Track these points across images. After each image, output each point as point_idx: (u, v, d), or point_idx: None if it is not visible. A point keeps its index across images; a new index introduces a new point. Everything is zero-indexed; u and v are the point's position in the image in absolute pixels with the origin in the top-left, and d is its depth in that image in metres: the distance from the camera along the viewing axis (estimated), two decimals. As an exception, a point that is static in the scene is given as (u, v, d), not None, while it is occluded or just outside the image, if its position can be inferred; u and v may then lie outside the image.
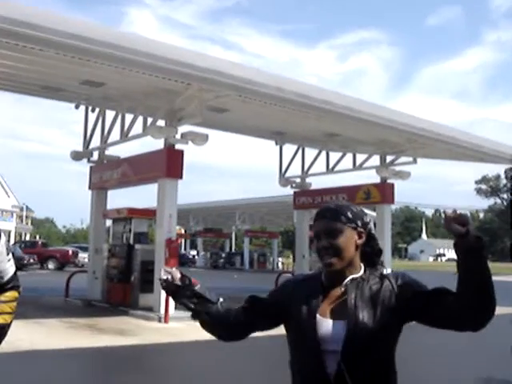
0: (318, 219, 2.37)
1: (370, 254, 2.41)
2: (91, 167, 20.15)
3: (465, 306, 2.15)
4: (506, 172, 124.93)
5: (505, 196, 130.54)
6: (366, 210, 43.40)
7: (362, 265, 2.39)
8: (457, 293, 2.18)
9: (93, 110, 19.59)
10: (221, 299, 2.55)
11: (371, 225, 2.41)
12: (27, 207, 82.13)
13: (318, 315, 2.31)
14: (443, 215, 2.15)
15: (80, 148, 20.12)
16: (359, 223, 2.36)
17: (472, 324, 2.23)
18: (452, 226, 2.10)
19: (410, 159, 21.99)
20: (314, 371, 2.28)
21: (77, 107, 19.12)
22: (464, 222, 2.09)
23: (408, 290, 2.29)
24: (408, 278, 2.35)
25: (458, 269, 2.15)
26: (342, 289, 2.33)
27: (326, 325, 2.28)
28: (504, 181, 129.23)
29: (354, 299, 2.28)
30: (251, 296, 2.56)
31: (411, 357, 10.87)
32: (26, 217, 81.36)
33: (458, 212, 2.11)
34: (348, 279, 2.33)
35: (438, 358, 11.12)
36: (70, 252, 41.73)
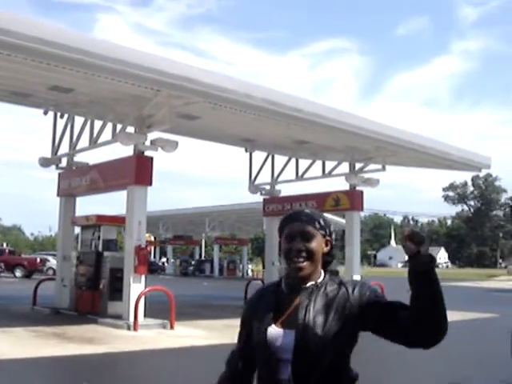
0: (292, 221, 2.37)
1: (329, 262, 2.43)
2: (60, 174, 19.94)
3: (416, 325, 2.16)
4: (472, 179, 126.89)
5: (472, 203, 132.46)
6: (336, 218, 43.67)
7: (322, 272, 2.40)
8: (409, 312, 2.18)
9: (61, 116, 19.40)
10: None
11: (334, 235, 2.44)
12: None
13: (273, 325, 2.32)
14: (402, 231, 2.13)
15: (48, 154, 19.90)
16: (327, 231, 2.39)
17: (422, 343, 2.23)
18: (406, 243, 2.10)
19: (379, 166, 22.18)
20: (269, 378, 2.30)
21: (45, 113, 18.92)
22: (419, 240, 2.08)
23: (364, 299, 2.29)
24: (366, 288, 2.35)
25: (411, 289, 2.16)
26: (301, 294, 2.35)
27: (279, 334, 2.29)
28: (471, 188, 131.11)
29: (306, 307, 2.29)
30: (236, 351, 2.54)
31: (378, 362, 10.96)
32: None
33: (413, 229, 2.09)
34: (308, 284, 2.34)
35: (401, 365, 11.21)
36: (38, 260, 41.25)
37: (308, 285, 2.34)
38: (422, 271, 2.10)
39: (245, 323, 2.48)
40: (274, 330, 2.30)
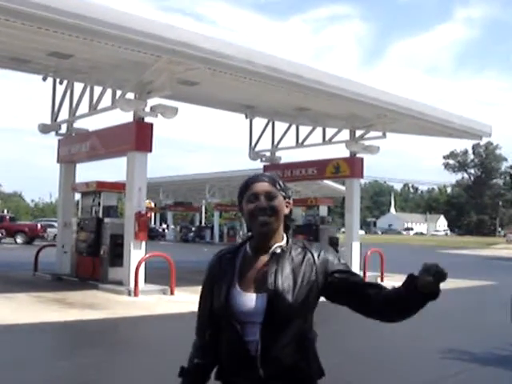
0: (256, 181, 2.41)
1: (289, 226, 2.49)
2: (59, 140, 19.89)
3: (385, 312, 2.33)
4: (473, 147, 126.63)
5: (472, 171, 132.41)
6: (336, 184, 43.66)
7: (284, 234, 2.45)
8: (385, 299, 2.31)
9: (61, 83, 19.25)
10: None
11: (292, 199, 2.50)
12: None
13: (238, 289, 2.35)
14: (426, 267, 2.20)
15: (48, 121, 19.83)
16: (287, 194, 2.45)
17: (387, 320, 2.39)
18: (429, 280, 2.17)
19: (380, 134, 22.09)
20: (235, 341, 2.33)
21: (44, 79, 18.80)
22: (440, 279, 2.16)
23: (328, 266, 2.37)
24: (331, 254, 2.42)
25: (402, 293, 2.28)
26: (266, 258, 2.38)
27: (245, 299, 2.33)
28: (471, 156, 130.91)
29: (275, 273, 2.32)
30: (200, 318, 2.56)
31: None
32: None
33: (443, 271, 2.15)
34: (275, 246, 2.39)
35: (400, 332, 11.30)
36: (39, 226, 41.38)
37: (273, 247, 2.39)
38: (428, 297, 2.26)
39: (207, 289, 2.51)
40: (240, 294, 2.34)
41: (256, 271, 2.38)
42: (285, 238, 2.44)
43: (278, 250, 2.38)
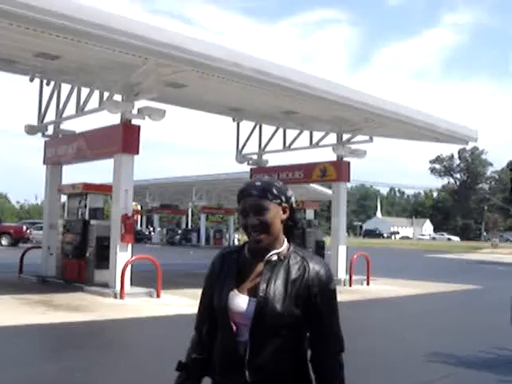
0: (245, 196, 2.38)
1: (292, 227, 2.48)
2: (46, 141, 19.79)
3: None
4: (459, 152, 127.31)
5: (458, 176, 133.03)
6: (322, 188, 43.72)
7: (284, 239, 2.44)
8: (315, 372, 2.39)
9: (48, 84, 19.17)
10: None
11: (293, 199, 2.46)
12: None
13: (235, 290, 2.37)
14: None
15: (35, 122, 19.72)
16: (283, 198, 2.40)
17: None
18: None
19: (367, 138, 22.17)
20: (229, 340, 2.37)
21: (31, 80, 18.67)
22: None
23: (315, 287, 2.34)
24: (325, 275, 2.37)
25: None
26: (263, 263, 2.39)
27: (239, 301, 2.35)
28: (457, 161, 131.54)
29: (268, 280, 2.33)
30: (200, 314, 2.59)
31: (360, 333, 11.08)
32: (-22, 192, 79.76)
33: None
34: (270, 254, 2.38)
35: (386, 335, 11.35)
36: (24, 228, 41.13)
37: (270, 254, 2.39)
38: None
39: (208, 286, 2.53)
40: (236, 295, 2.36)
41: (252, 276, 2.40)
42: (285, 244, 2.43)
43: (274, 258, 2.39)
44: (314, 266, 2.36)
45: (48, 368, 7.65)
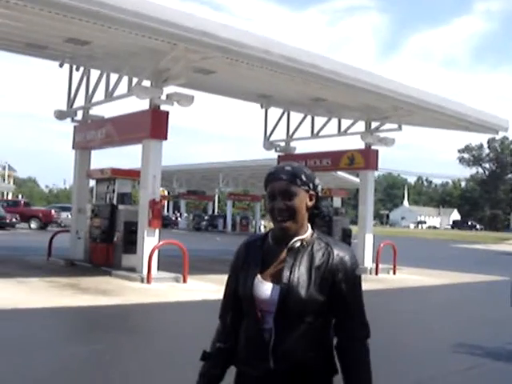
0: (274, 180, 2.37)
1: (317, 215, 2.47)
2: (75, 127, 19.95)
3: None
4: (488, 142, 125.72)
5: (487, 165, 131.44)
6: (350, 176, 43.56)
7: (309, 226, 2.44)
8: (339, 354, 2.39)
9: (77, 69, 19.30)
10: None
11: (320, 187, 2.46)
12: (9, 166, 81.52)
13: (259, 277, 2.37)
14: None
15: (64, 107, 19.89)
16: (311, 186, 2.40)
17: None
18: None
19: (395, 126, 21.99)
20: (254, 327, 2.38)
21: (61, 66, 18.83)
22: None
23: (339, 273, 2.34)
24: (350, 262, 2.37)
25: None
26: (286, 252, 2.39)
27: (264, 288, 2.35)
28: (487, 150, 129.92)
29: (291, 267, 2.33)
30: (224, 303, 2.61)
31: (387, 323, 11.06)
32: (8, 176, 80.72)
33: None
34: (294, 240, 2.38)
35: (412, 325, 11.30)
36: (53, 212, 41.57)
37: (294, 241, 2.38)
38: None
39: (233, 274, 2.54)
40: (260, 282, 2.37)
41: (276, 262, 2.40)
42: (309, 231, 2.43)
43: (298, 244, 2.38)
44: (339, 252, 2.36)
45: (77, 350, 7.74)
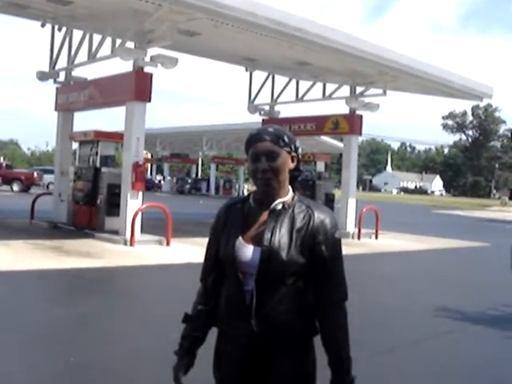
0: (257, 141, 2.37)
1: (297, 177, 2.48)
2: (57, 88, 19.72)
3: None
4: (472, 109, 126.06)
5: (470, 133, 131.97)
6: (333, 141, 43.62)
7: (289, 188, 2.45)
8: (320, 322, 2.41)
9: (59, 30, 18.97)
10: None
11: (300, 150, 2.46)
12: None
13: (240, 239, 2.39)
14: None
15: (46, 68, 19.61)
16: (293, 147, 2.41)
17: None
18: None
19: (380, 91, 21.95)
20: (235, 289, 2.40)
21: (43, 26, 18.48)
22: None
23: (320, 234, 2.36)
24: (330, 224, 2.39)
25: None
26: (267, 214, 2.40)
27: (245, 250, 2.37)
28: (470, 118, 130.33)
29: (272, 229, 2.34)
30: (205, 265, 2.61)
31: (370, 284, 11.18)
32: (-11, 138, 79.81)
33: None
34: (276, 203, 2.39)
35: (394, 289, 11.43)
36: (35, 174, 41.28)
37: (276, 203, 2.39)
38: None
39: (213, 237, 2.55)
40: (242, 245, 2.38)
41: (257, 225, 2.41)
42: (290, 193, 2.44)
43: (279, 207, 2.39)
44: (319, 215, 2.37)
45: (60, 312, 7.76)
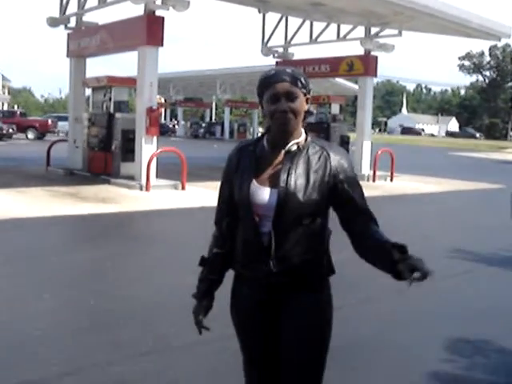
0: (276, 81, 2.35)
1: (306, 118, 2.48)
2: (69, 34, 19.56)
3: (360, 245, 2.44)
4: (490, 49, 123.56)
5: (487, 73, 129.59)
6: (347, 82, 43.09)
7: (302, 130, 2.45)
8: (364, 237, 2.42)
9: (69, -27, 18.75)
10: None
11: (311, 92, 2.46)
12: (3, 76, 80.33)
13: (254, 182, 2.39)
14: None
15: (57, 14, 19.41)
16: (308, 89, 2.41)
17: (355, 248, 2.47)
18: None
19: (395, 32, 21.59)
20: (251, 231, 2.41)
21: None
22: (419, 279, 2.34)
23: (339, 172, 2.38)
24: (346, 161, 2.42)
25: (379, 249, 2.34)
26: (283, 154, 2.40)
27: (261, 192, 2.38)
28: (487, 58, 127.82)
29: (288, 170, 2.35)
30: (219, 209, 2.62)
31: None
32: (3, 86, 79.64)
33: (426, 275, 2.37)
34: (290, 144, 2.39)
35: (408, 230, 11.45)
36: (50, 121, 41.30)
37: (291, 144, 2.39)
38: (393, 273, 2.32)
39: (226, 180, 2.55)
40: (257, 188, 2.39)
41: (272, 167, 2.41)
42: (303, 135, 2.44)
43: (294, 148, 2.39)
44: (335, 155, 2.40)
45: (78, 257, 7.89)
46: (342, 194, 2.38)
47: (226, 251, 2.56)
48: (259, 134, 2.55)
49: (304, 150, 2.39)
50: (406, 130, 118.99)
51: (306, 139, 2.43)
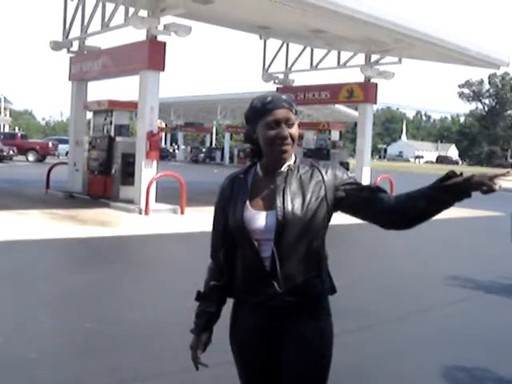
0: (276, 107, 2.34)
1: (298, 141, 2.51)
2: (71, 58, 19.70)
3: (402, 213, 2.33)
4: (489, 77, 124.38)
5: (486, 101, 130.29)
6: (347, 109, 43.19)
7: (293, 154, 2.46)
8: (400, 200, 2.33)
9: (72, -2, 18.92)
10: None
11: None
12: (5, 98, 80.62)
13: (249, 208, 2.39)
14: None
15: (59, 38, 19.57)
16: (297, 113, 2.44)
17: (399, 226, 2.41)
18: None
19: (395, 59, 21.75)
20: (252, 258, 2.39)
21: (56, -6, 18.44)
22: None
23: (338, 180, 2.41)
24: (338, 169, 2.45)
25: (425, 192, 2.27)
26: (275, 177, 2.41)
27: (257, 217, 2.36)
28: (487, 86, 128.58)
29: (283, 190, 2.36)
30: (215, 242, 2.60)
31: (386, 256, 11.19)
32: (4, 108, 79.87)
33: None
34: (284, 167, 2.41)
35: (407, 257, 11.43)
36: (50, 144, 41.44)
37: (283, 168, 2.41)
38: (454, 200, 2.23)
39: (220, 211, 2.53)
40: (252, 213, 2.38)
41: (266, 190, 2.41)
42: (293, 157, 2.46)
43: (286, 169, 2.41)
44: (324, 168, 2.43)
45: (76, 280, 7.86)
46: (349, 195, 2.40)
47: (224, 283, 2.54)
48: (248, 164, 2.55)
49: (295, 170, 2.41)
50: (442, 159, 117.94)
51: (294, 161, 2.45)
